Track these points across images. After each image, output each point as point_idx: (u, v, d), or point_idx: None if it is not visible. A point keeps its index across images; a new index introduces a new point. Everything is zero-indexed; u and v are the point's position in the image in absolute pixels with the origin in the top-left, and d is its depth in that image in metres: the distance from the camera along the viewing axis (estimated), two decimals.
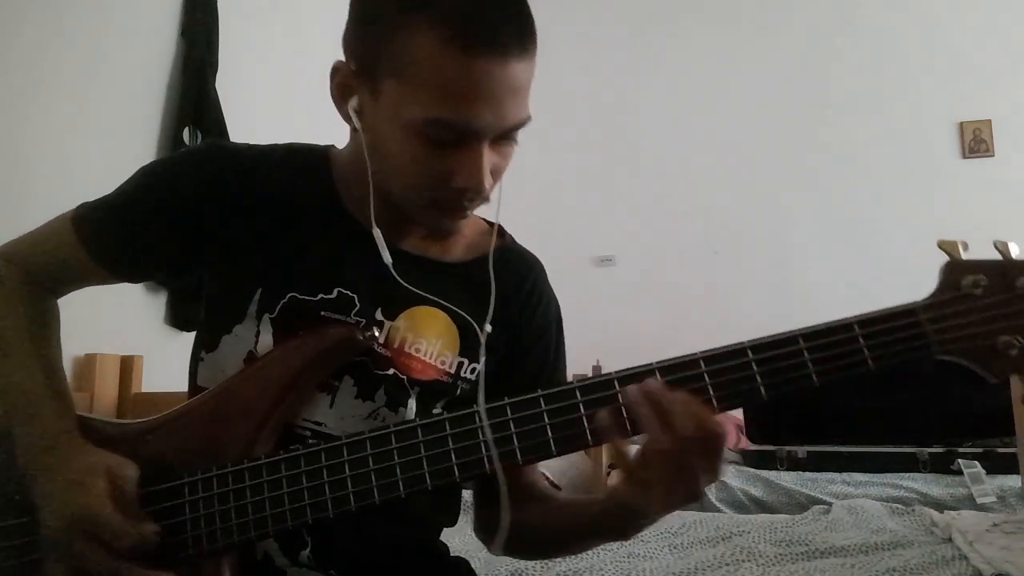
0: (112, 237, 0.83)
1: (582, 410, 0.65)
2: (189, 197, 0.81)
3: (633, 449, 0.65)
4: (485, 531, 0.92)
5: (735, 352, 0.64)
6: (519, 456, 0.66)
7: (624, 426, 0.64)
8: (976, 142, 3.62)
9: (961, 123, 3.65)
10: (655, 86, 4.01)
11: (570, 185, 3.99)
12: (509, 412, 0.67)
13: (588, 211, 3.95)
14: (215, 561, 0.72)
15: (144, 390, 1.84)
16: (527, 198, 3.88)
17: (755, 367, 0.64)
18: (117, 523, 0.67)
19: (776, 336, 0.64)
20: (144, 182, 0.84)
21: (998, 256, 0.64)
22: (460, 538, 1.61)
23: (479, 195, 0.75)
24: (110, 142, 1.88)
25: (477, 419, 0.68)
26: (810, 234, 3.65)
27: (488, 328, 0.81)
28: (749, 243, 3.72)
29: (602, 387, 0.66)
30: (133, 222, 0.83)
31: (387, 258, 0.79)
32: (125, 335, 1.86)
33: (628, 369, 0.66)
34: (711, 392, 0.64)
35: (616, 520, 0.72)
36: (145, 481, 0.72)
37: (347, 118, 0.78)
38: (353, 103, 0.76)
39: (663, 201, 3.88)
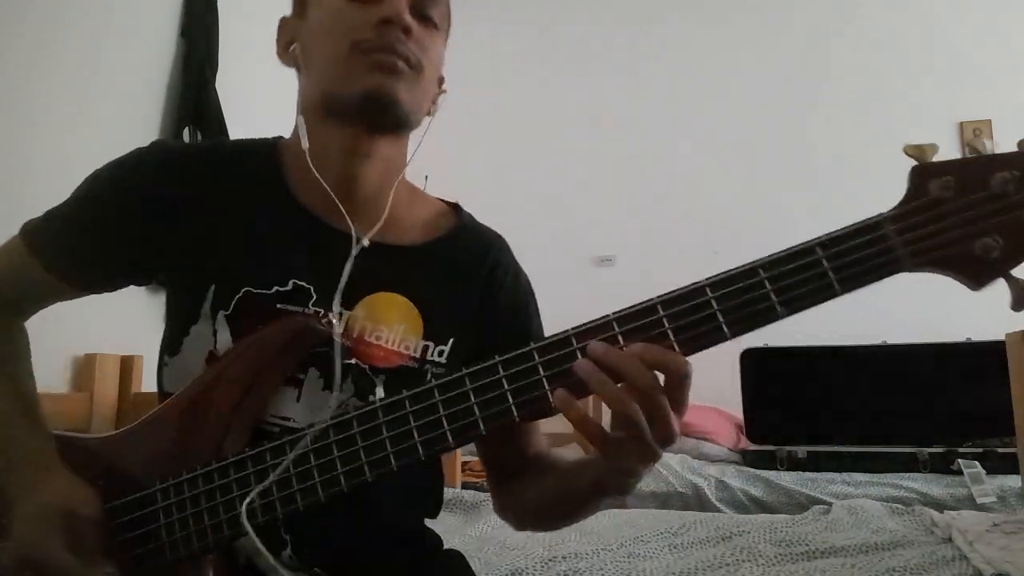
0: (63, 246, 0.82)
1: (541, 371, 0.63)
2: (136, 198, 0.81)
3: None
4: (507, 508, 0.93)
5: (693, 292, 0.61)
6: (482, 425, 0.64)
7: (583, 385, 0.61)
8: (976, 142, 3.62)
9: (961, 123, 3.65)
10: (655, 86, 4.01)
11: (570, 185, 3.99)
12: (468, 383, 0.65)
13: (588, 211, 3.95)
14: (196, 565, 0.72)
15: (144, 390, 1.85)
16: (528, 198, 3.89)
17: (715, 304, 0.60)
18: (66, 568, 0.67)
19: (734, 270, 0.61)
20: (90, 188, 0.83)
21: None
22: (460, 538, 1.61)
23: (400, 27, 0.76)
24: (110, 142, 1.87)
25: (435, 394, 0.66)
26: (810, 234, 3.60)
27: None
28: (749, 243, 3.68)
29: (560, 345, 0.63)
30: (82, 228, 0.82)
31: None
32: (125, 335, 1.86)
33: (585, 324, 0.63)
34: (672, 337, 0.61)
35: (610, 480, 0.71)
36: (123, 490, 0.73)
37: (291, 63, 0.84)
38: (293, 47, 0.83)
39: (663, 201, 3.88)
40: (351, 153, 0.80)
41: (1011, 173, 0.56)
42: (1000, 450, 2.43)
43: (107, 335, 1.80)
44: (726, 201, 3.80)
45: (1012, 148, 0.59)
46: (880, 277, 0.59)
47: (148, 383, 1.85)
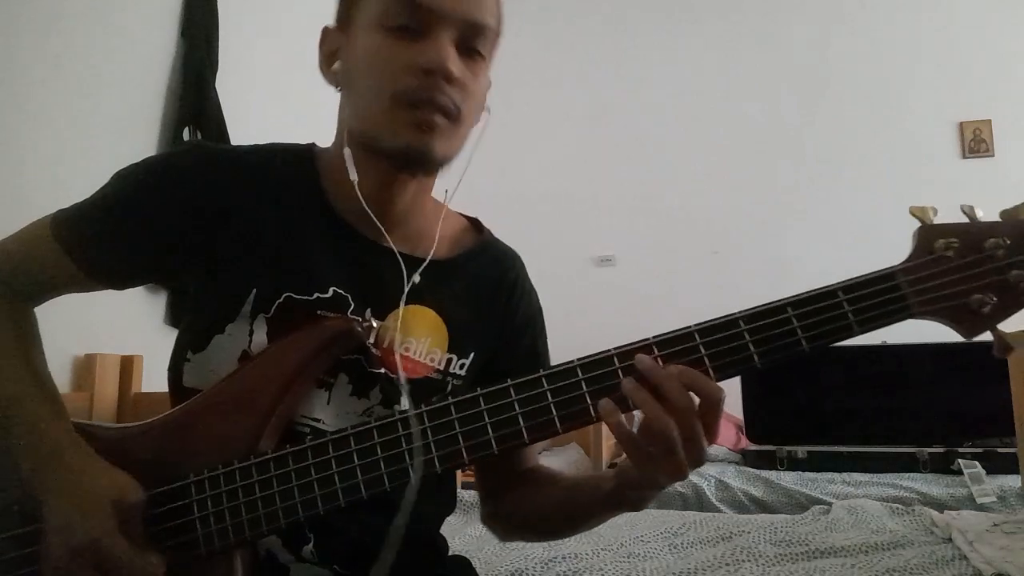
0: (94, 242, 0.81)
1: (584, 387, 0.67)
2: (175, 200, 0.80)
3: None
4: (498, 519, 0.95)
5: (728, 323, 0.67)
6: (525, 435, 0.68)
7: (625, 401, 0.66)
8: (976, 142, 3.62)
9: (961, 123, 3.65)
10: (655, 86, 4.01)
11: (570, 185, 4.00)
12: (513, 393, 0.69)
13: (588, 211, 3.95)
14: (227, 558, 0.72)
15: (144, 390, 1.85)
16: (528, 198, 3.89)
17: (747, 336, 0.67)
18: (124, 557, 0.67)
19: (766, 305, 0.68)
20: (124, 186, 0.82)
21: (966, 220, 0.68)
22: (460, 538, 1.61)
23: (444, 79, 0.74)
24: (110, 142, 1.87)
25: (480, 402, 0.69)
26: (810, 234, 3.65)
27: (417, 277, 0.83)
28: (749, 243, 3.72)
29: (603, 364, 0.68)
30: (116, 227, 0.81)
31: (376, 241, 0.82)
32: (125, 335, 1.86)
33: (626, 345, 0.68)
34: (707, 363, 0.66)
35: (629, 494, 0.74)
36: (152, 482, 0.72)
37: (334, 82, 0.82)
38: (336, 65, 0.81)
39: (663, 201, 3.88)
40: (388, 185, 0.81)
41: (1002, 240, 0.66)
42: (1000, 450, 2.43)
43: (107, 335, 1.80)
44: (726, 201, 3.80)
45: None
46: (892, 322, 0.66)
47: (148, 383, 1.85)
